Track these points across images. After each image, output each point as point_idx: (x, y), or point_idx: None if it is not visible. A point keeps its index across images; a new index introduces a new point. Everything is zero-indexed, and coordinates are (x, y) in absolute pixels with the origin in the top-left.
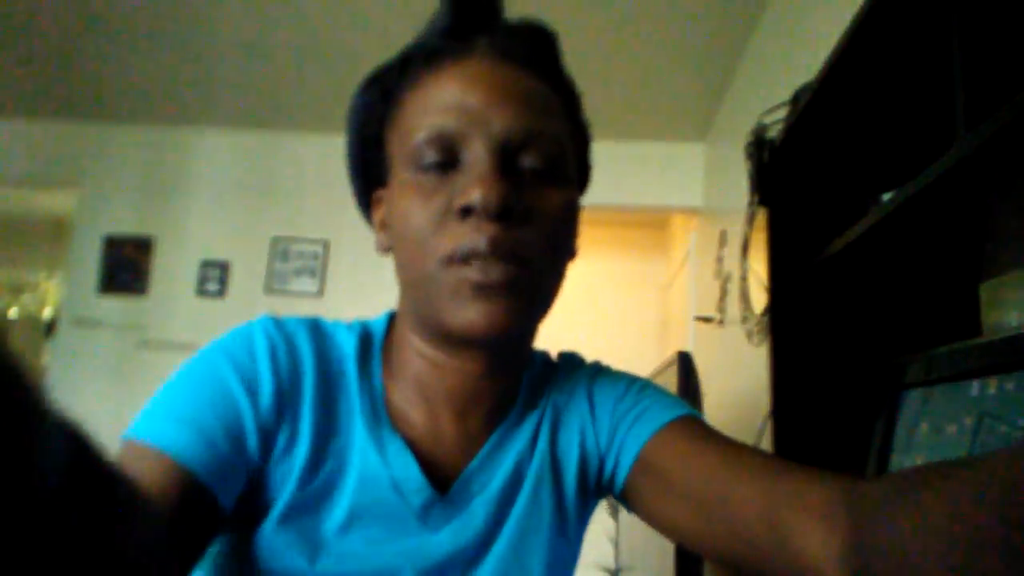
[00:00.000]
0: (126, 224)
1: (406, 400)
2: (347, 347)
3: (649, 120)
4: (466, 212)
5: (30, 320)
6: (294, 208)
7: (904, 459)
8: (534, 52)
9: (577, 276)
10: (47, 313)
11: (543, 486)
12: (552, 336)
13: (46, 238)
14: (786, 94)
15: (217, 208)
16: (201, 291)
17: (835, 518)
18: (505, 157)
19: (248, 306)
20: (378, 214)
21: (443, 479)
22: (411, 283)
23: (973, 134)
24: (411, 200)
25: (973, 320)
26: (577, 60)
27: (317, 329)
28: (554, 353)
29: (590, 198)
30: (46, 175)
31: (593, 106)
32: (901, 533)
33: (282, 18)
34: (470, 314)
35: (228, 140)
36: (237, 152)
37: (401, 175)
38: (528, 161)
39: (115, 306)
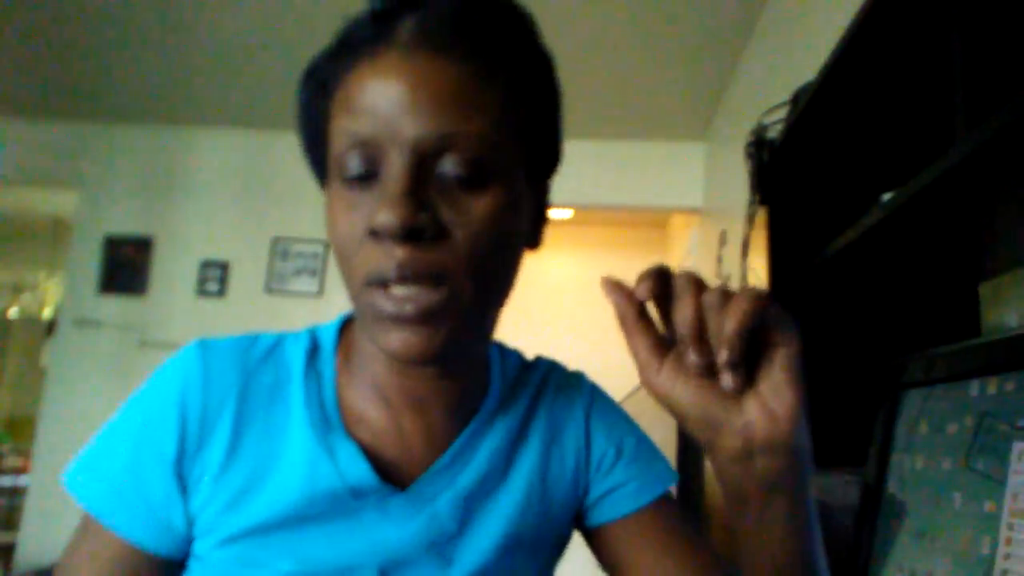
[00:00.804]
0: (126, 224)
1: (365, 400)
2: (291, 358)
3: (648, 120)
4: (375, 235)
5: (30, 320)
6: (294, 208)
7: (904, 459)
8: (462, 28)
9: (575, 276)
10: (47, 313)
11: (532, 501)
12: (551, 337)
13: (46, 238)
14: (786, 94)
15: (217, 208)
16: (201, 291)
17: None
18: (420, 166)
19: (248, 306)
20: None
21: (407, 476)
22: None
23: (973, 133)
24: (336, 215)
25: (973, 320)
26: (575, 59)
27: (251, 348)
28: (528, 354)
29: (588, 198)
30: (45, 175)
31: (591, 106)
32: None
33: (281, 16)
34: (393, 342)
35: (228, 139)
36: (237, 151)
37: (332, 182)
38: (447, 167)
39: (115, 306)
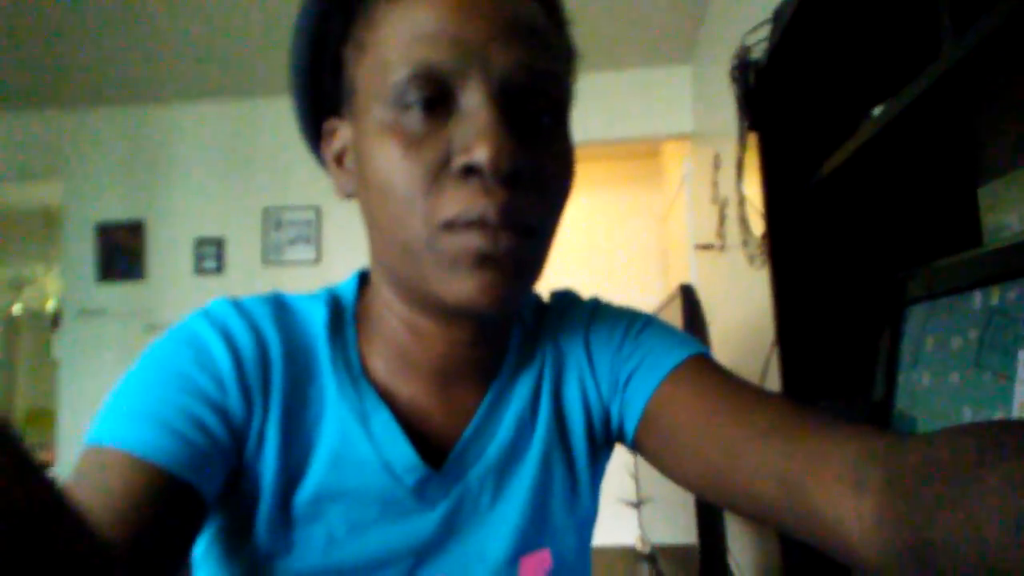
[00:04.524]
0: (115, 209)
1: (388, 370)
2: (316, 320)
3: (630, 46)
4: (469, 172)
5: (35, 315)
6: (282, 176)
7: (911, 375)
8: None
9: (573, 215)
10: (50, 306)
11: (552, 448)
12: (552, 279)
13: (38, 231)
14: (768, 12)
15: (204, 184)
16: (199, 269)
17: (866, 483)
18: (509, 103)
19: (248, 280)
20: (330, 148)
21: (435, 452)
22: (394, 248)
23: (960, 40)
24: (393, 149)
25: (974, 226)
26: None
27: (280, 306)
28: (545, 292)
29: (577, 135)
30: (29, 167)
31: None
32: (961, 516)
33: None
34: (468, 286)
35: (208, 113)
36: (218, 124)
37: (376, 113)
38: (533, 108)
39: (116, 293)
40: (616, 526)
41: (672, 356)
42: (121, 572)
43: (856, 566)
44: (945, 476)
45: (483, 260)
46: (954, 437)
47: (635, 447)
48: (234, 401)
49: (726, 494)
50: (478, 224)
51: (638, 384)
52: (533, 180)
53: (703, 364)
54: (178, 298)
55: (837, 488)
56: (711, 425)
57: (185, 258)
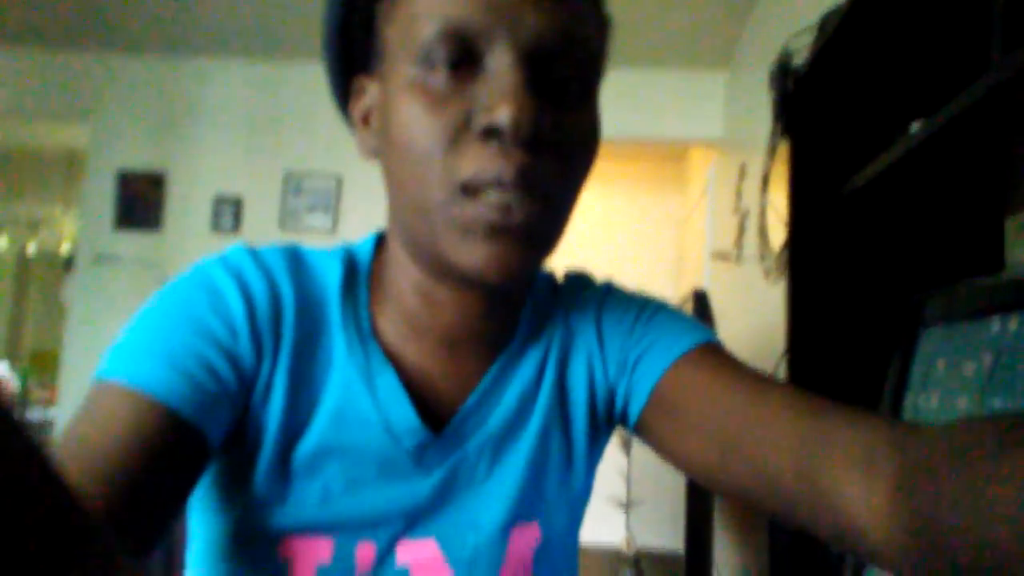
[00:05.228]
0: (138, 158)
1: (397, 333)
2: (330, 276)
3: (667, 47)
4: (489, 133)
5: (49, 256)
6: (306, 142)
7: (919, 397)
8: None
9: (591, 211)
10: (65, 249)
11: (552, 424)
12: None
13: (60, 172)
14: (813, 18)
15: (229, 141)
16: (216, 226)
17: (878, 467)
18: (536, 66)
19: (263, 242)
20: (358, 106)
21: (437, 418)
22: (410, 208)
23: (1008, 58)
24: (416, 106)
25: (998, 255)
26: None
27: (296, 258)
28: (560, 272)
29: (605, 130)
30: (56, 108)
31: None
32: (975, 505)
33: None
34: (480, 255)
35: (238, 71)
36: (247, 83)
37: (403, 71)
38: (561, 73)
39: (132, 242)
40: (603, 526)
41: (684, 340)
42: (101, 537)
43: (864, 553)
44: (959, 465)
45: (495, 230)
46: (970, 427)
47: (638, 430)
48: (244, 348)
49: (732, 476)
50: (494, 186)
51: (647, 366)
52: (555, 147)
53: (714, 350)
54: (192, 253)
55: (848, 472)
56: (721, 405)
57: (203, 214)
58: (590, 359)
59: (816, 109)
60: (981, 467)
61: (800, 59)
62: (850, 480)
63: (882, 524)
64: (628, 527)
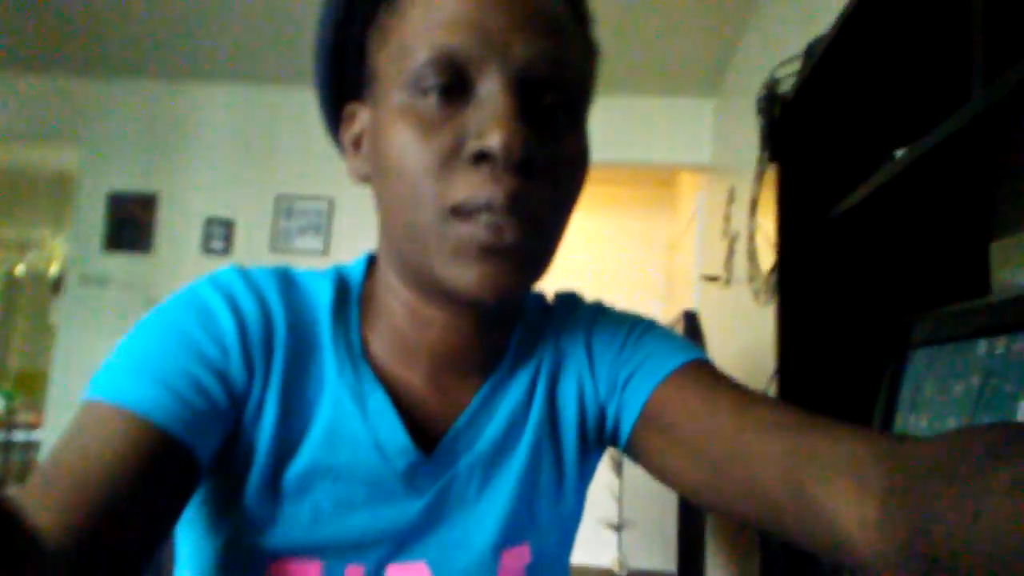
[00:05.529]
0: (129, 181)
1: (387, 354)
2: (321, 297)
3: (657, 75)
4: (480, 158)
5: (37, 277)
6: (298, 165)
7: (909, 419)
8: None
9: (582, 235)
10: (54, 270)
11: (542, 444)
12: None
13: (50, 195)
14: (800, 46)
15: (220, 164)
16: (207, 249)
17: (868, 479)
18: (526, 93)
19: (255, 264)
20: (349, 131)
21: (427, 439)
22: (402, 231)
23: (990, 88)
24: (408, 132)
25: (983, 280)
26: None
27: (287, 279)
28: (550, 293)
29: (596, 154)
30: (47, 130)
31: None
32: (966, 517)
33: None
34: (471, 276)
35: (230, 94)
36: (239, 107)
37: (394, 96)
38: (550, 100)
39: (121, 264)
40: (595, 548)
41: (674, 359)
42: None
43: (856, 566)
44: (950, 477)
45: (486, 251)
46: (960, 438)
47: (629, 449)
48: (236, 367)
49: (724, 492)
50: (485, 210)
51: (637, 384)
52: (545, 172)
53: (705, 367)
54: (182, 275)
55: (838, 484)
56: (713, 421)
57: (193, 236)
58: (580, 379)
59: (803, 135)
60: (970, 480)
61: (787, 86)
62: (840, 492)
63: (873, 536)
64: (620, 548)
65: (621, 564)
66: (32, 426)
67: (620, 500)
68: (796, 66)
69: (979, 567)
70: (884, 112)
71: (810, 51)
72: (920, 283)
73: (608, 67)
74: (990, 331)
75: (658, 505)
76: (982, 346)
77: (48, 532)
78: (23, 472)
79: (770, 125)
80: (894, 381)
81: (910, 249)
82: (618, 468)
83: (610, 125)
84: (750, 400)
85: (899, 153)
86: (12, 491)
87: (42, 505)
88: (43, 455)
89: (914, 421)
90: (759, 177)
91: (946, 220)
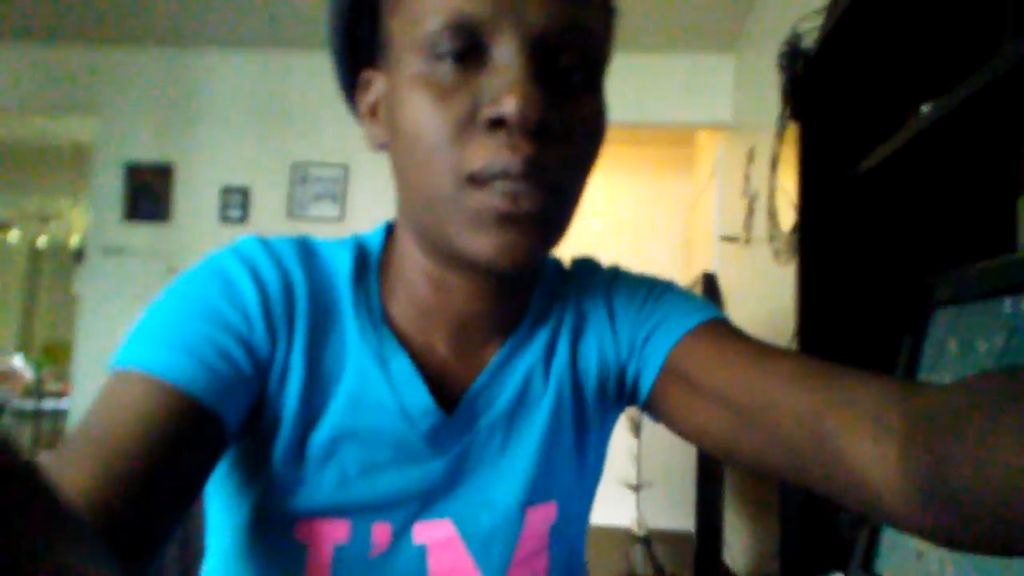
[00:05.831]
0: (146, 150)
1: (408, 319)
2: (341, 266)
3: (675, 31)
4: (496, 124)
5: (59, 248)
6: (313, 132)
7: (931, 378)
8: None
9: (599, 196)
10: (75, 241)
11: (563, 403)
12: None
13: (68, 165)
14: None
15: (236, 132)
16: (224, 217)
17: (889, 424)
18: (542, 57)
19: (271, 232)
20: (365, 99)
21: (449, 400)
22: (419, 199)
23: (1021, 41)
24: (423, 99)
25: (1009, 237)
26: None
27: (307, 248)
28: (567, 258)
29: (614, 114)
30: (63, 101)
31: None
32: (982, 458)
33: None
34: (489, 243)
35: (244, 62)
36: (253, 74)
37: (409, 63)
38: (567, 63)
39: (141, 233)
40: (614, 508)
41: (693, 317)
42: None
43: (879, 512)
44: (965, 421)
45: (504, 219)
46: (976, 382)
47: (650, 406)
48: (259, 335)
49: (746, 443)
50: (501, 177)
51: (657, 341)
52: (561, 137)
53: (724, 325)
54: (201, 243)
55: (861, 431)
56: (733, 373)
57: (211, 205)
58: (601, 339)
59: (825, 91)
60: (985, 422)
61: (809, 41)
62: (861, 437)
63: (894, 478)
64: (638, 508)
65: (640, 524)
66: (60, 395)
67: (638, 461)
68: (818, 20)
69: (996, 507)
70: (910, 67)
71: (833, 4)
72: (944, 242)
73: (623, 24)
74: (1015, 289)
75: (677, 466)
76: (1007, 304)
77: (83, 499)
78: (53, 439)
79: (792, 81)
80: (916, 340)
81: (934, 207)
82: (636, 429)
83: (627, 84)
84: (770, 352)
85: (925, 108)
86: (43, 458)
87: (77, 473)
88: (71, 423)
89: (936, 380)
90: (780, 135)
91: (972, 177)
